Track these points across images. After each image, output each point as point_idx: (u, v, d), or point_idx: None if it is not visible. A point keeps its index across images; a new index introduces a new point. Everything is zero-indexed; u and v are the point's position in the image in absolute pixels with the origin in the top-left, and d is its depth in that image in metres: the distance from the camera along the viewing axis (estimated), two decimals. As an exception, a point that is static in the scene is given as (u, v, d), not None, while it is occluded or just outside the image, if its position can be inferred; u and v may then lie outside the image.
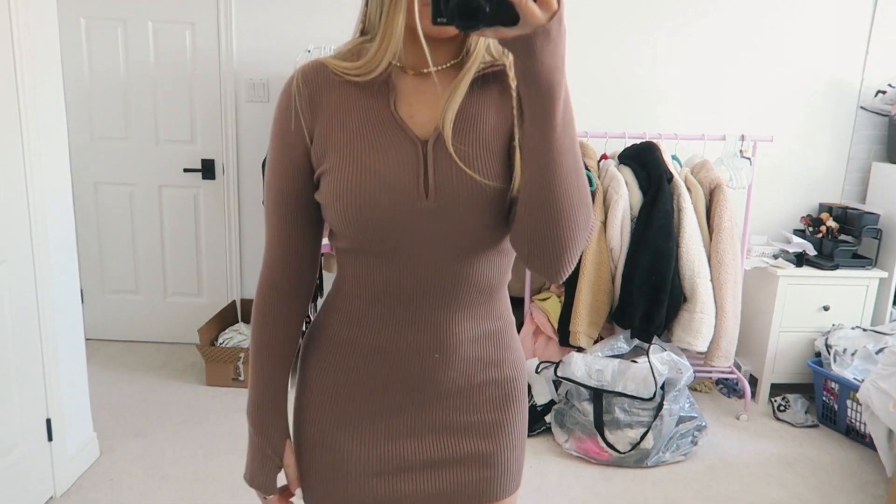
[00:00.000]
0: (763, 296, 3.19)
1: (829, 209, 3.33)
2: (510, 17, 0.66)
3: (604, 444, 2.60)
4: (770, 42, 3.36)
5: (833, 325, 3.10)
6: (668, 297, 2.78)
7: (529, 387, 2.86)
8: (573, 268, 0.85)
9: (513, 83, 0.86)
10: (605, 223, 2.86)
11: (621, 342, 2.84)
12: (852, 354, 2.88)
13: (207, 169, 3.53)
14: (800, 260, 3.17)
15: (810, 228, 3.29)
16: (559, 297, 3.06)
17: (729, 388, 3.31)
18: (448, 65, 0.88)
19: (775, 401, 3.11)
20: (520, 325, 3.19)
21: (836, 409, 2.92)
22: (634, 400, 2.58)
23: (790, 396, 3.10)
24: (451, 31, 0.81)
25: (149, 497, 2.33)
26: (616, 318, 2.92)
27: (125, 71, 3.46)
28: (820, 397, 3.00)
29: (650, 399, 2.57)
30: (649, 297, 2.79)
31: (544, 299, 3.15)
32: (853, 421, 2.84)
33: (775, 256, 3.21)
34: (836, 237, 3.20)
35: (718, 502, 2.43)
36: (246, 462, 1.02)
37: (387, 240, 0.86)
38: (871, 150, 3.45)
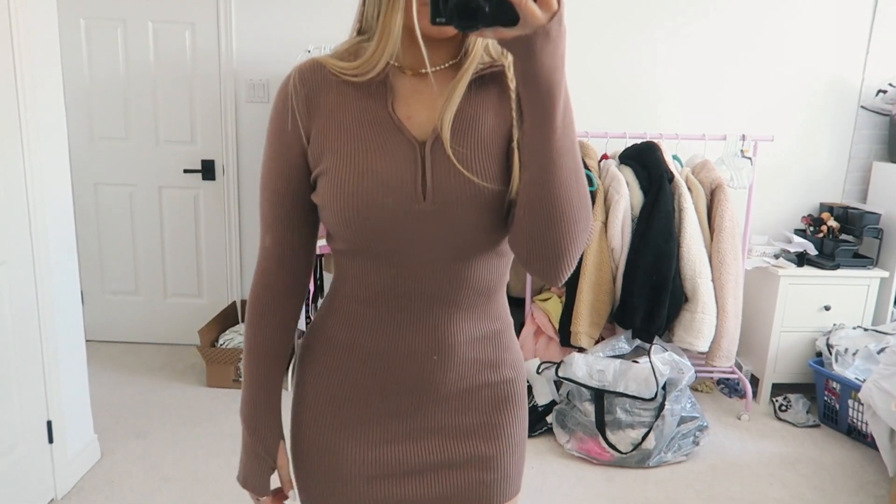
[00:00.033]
0: (764, 296, 3.19)
1: (829, 209, 3.33)
2: (510, 17, 0.65)
3: (605, 445, 2.60)
4: (770, 42, 3.35)
5: (834, 324, 3.10)
6: (669, 298, 2.77)
7: (531, 387, 2.85)
8: (572, 271, 0.84)
9: (512, 84, 0.85)
10: (606, 223, 2.85)
11: (622, 342, 2.84)
12: (853, 354, 2.88)
13: (207, 169, 3.53)
14: (801, 260, 3.16)
15: (811, 228, 3.28)
16: (560, 297, 3.06)
17: (730, 388, 3.30)
18: (446, 65, 0.87)
19: (777, 401, 3.11)
20: (521, 326, 3.18)
21: (837, 409, 2.91)
22: (636, 400, 2.58)
23: (791, 396, 3.09)
24: (450, 31, 0.80)
25: (150, 499, 2.33)
26: (617, 319, 2.92)
27: (125, 71, 3.46)
28: (821, 397, 3.00)
29: (652, 399, 2.56)
30: (650, 297, 2.78)
31: (545, 300, 3.14)
32: (855, 421, 2.83)
33: (776, 256, 3.20)
34: (837, 237, 3.19)
35: (720, 502, 2.42)
36: (239, 463, 1.01)
37: (384, 242, 0.85)
38: (872, 150, 3.44)
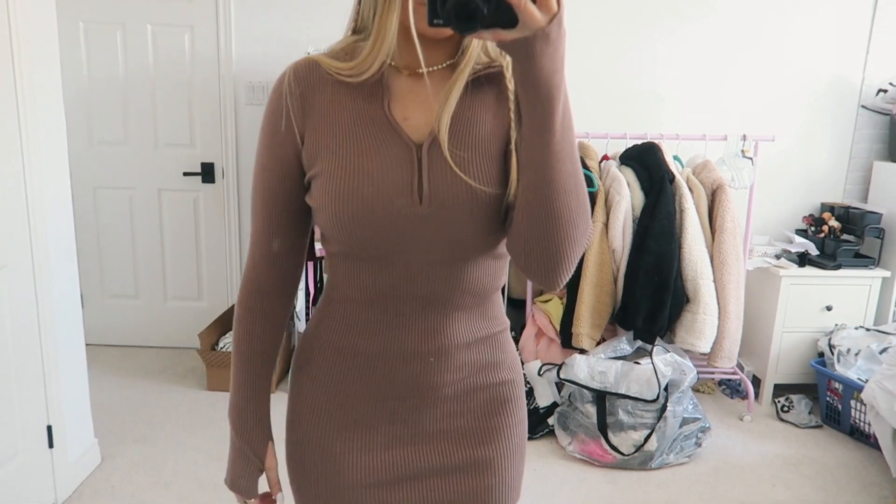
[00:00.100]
0: (766, 296, 3.18)
1: (830, 209, 3.32)
2: (508, 19, 0.64)
3: (607, 447, 2.59)
4: (771, 42, 3.35)
5: (836, 325, 3.09)
6: (670, 298, 2.76)
7: (532, 389, 2.84)
8: (570, 275, 0.83)
9: (510, 85, 0.84)
10: (607, 224, 2.85)
11: (624, 344, 2.83)
12: (856, 354, 2.87)
13: (207, 172, 3.52)
14: (802, 260, 3.16)
15: (812, 228, 3.27)
16: (561, 299, 3.05)
17: (732, 389, 3.30)
18: (443, 65, 0.86)
19: (779, 401, 3.10)
20: (522, 328, 3.18)
21: (839, 410, 2.90)
22: (638, 402, 2.57)
23: (793, 397, 3.08)
24: (448, 31, 0.79)
25: (151, 503, 2.32)
26: (619, 320, 2.91)
27: (124, 74, 3.45)
28: (823, 398, 2.99)
29: (654, 401, 2.56)
30: (652, 298, 2.77)
31: (546, 301, 3.14)
32: (857, 421, 2.82)
33: (777, 256, 3.19)
34: (838, 237, 3.18)
35: (722, 504, 2.42)
36: (227, 465, 1.00)
37: (380, 245, 0.84)
38: (873, 149, 3.44)
